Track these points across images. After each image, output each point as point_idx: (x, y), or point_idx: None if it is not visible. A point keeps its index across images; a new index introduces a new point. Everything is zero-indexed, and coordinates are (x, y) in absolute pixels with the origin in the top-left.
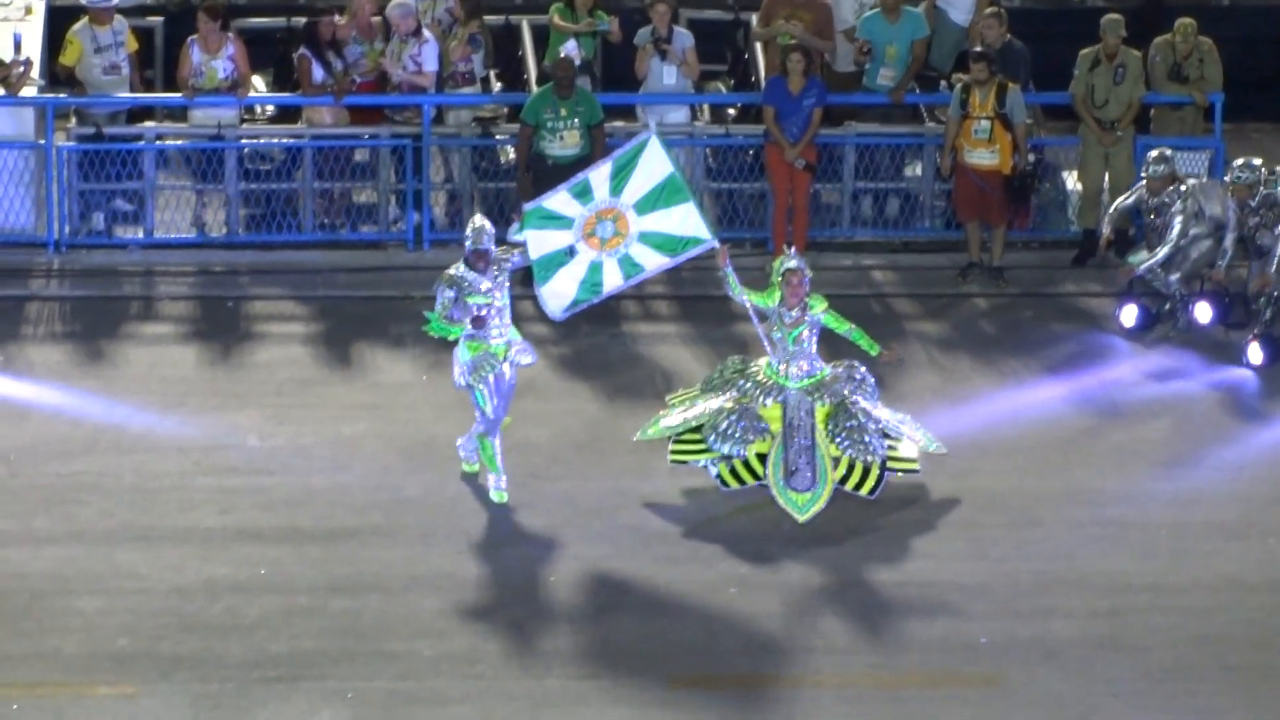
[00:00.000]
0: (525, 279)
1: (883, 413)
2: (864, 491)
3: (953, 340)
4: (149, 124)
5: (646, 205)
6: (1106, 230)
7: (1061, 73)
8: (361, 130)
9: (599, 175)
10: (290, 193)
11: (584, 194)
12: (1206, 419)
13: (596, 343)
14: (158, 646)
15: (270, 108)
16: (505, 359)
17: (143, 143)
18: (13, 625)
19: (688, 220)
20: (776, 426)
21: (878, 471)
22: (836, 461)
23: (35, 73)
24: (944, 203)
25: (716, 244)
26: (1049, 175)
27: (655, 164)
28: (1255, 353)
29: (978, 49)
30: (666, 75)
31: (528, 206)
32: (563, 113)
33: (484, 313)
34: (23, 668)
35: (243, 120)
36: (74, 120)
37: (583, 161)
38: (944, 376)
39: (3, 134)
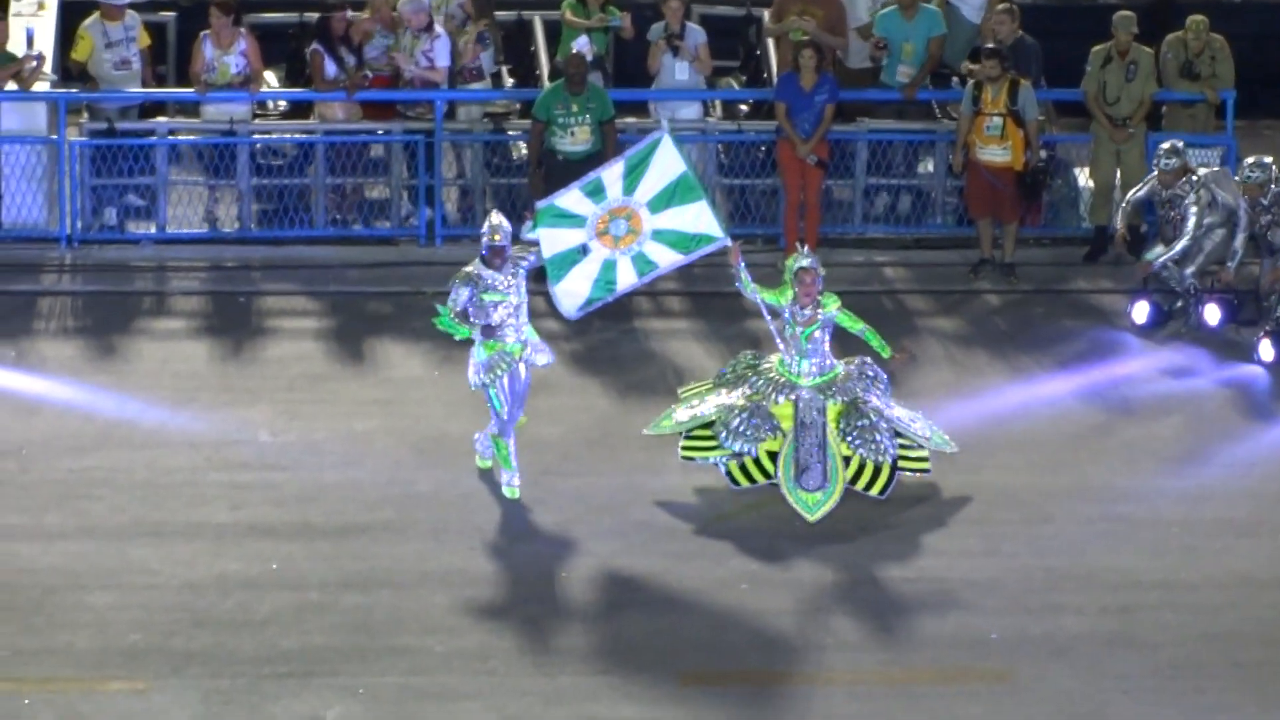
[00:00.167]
0: (539, 276)
1: (895, 410)
2: (874, 492)
3: (964, 337)
4: (161, 119)
5: (660, 203)
6: (1121, 225)
7: (1073, 69)
8: (374, 126)
9: (611, 174)
10: (302, 188)
11: (596, 192)
12: (1218, 416)
13: (608, 339)
14: (169, 642)
15: (282, 103)
16: (521, 359)
17: (155, 138)
18: (24, 620)
19: (700, 218)
20: (788, 424)
21: (888, 471)
22: (847, 461)
23: (48, 68)
24: (956, 199)
25: (729, 242)
26: (1061, 172)
27: (668, 162)
28: (1266, 350)
29: (990, 45)
30: (679, 71)
31: (540, 205)
32: (574, 109)
33: (495, 323)
34: (34, 663)
35: (255, 115)
36: (86, 115)
37: (594, 157)
38: (955, 373)
39: (15, 129)
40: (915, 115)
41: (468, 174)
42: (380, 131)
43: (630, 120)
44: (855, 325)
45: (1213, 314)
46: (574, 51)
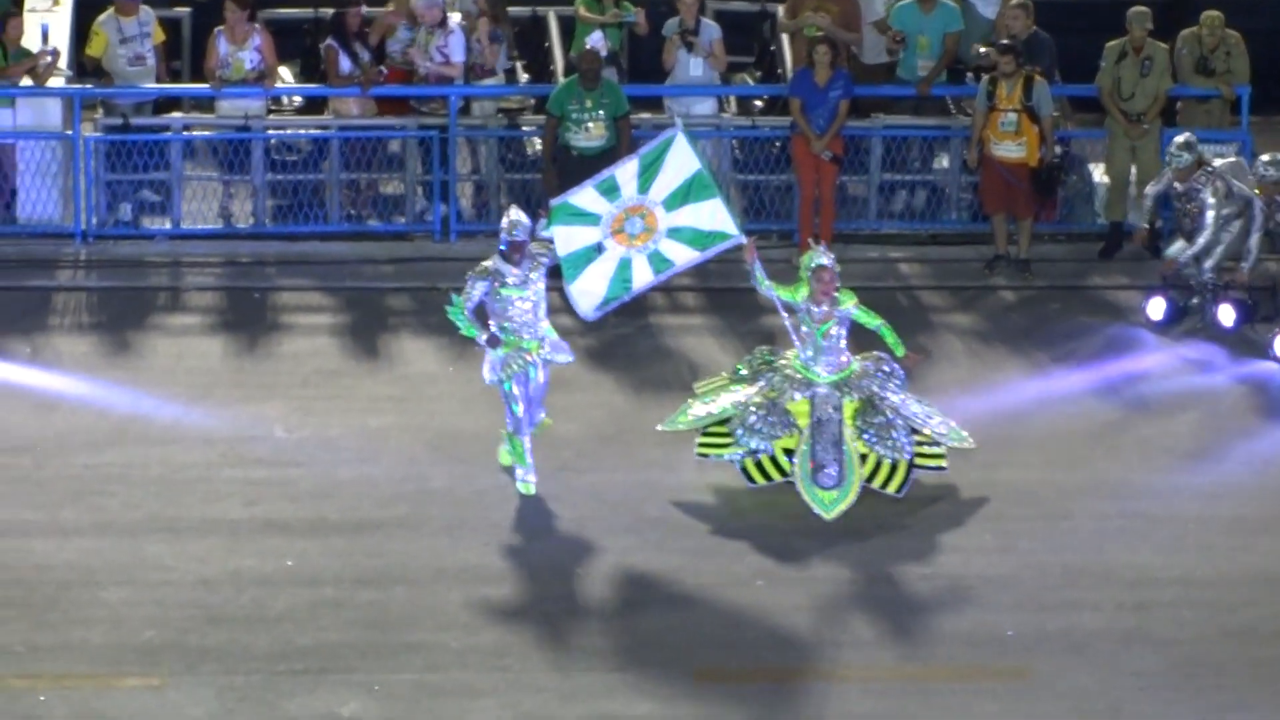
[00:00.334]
0: (555, 272)
1: (912, 407)
2: (891, 490)
3: (979, 333)
4: (176, 115)
5: (675, 201)
6: (1143, 223)
7: (1088, 65)
8: (389, 121)
9: (626, 172)
10: (317, 184)
11: (611, 191)
12: (1234, 412)
13: (624, 335)
14: (184, 638)
15: (297, 99)
16: (537, 356)
17: (170, 134)
18: (39, 617)
19: (715, 215)
20: (804, 422)
21: (905, 469)
22: (864, 458)
23: (63, 63)
24: (971, 195)
25: (744, 239)
26: (1076, 168)
27: (682, 160)
28: None
29: (1004, 41)
30: (693, 67)
31: (554, 202)
32: (588, 104)
33: (510, 326)
34: (49, 659)
35: (269, 111)
36: (101, 111)
37: (608, 153)
38: (970, 369)
39: (30, 125)
40: (930, 111)
41: (482, 169)
42: (395, 127)
43: (645, 116)
44: (872, 321)
45: (1227, 315)
46: (588, 47)
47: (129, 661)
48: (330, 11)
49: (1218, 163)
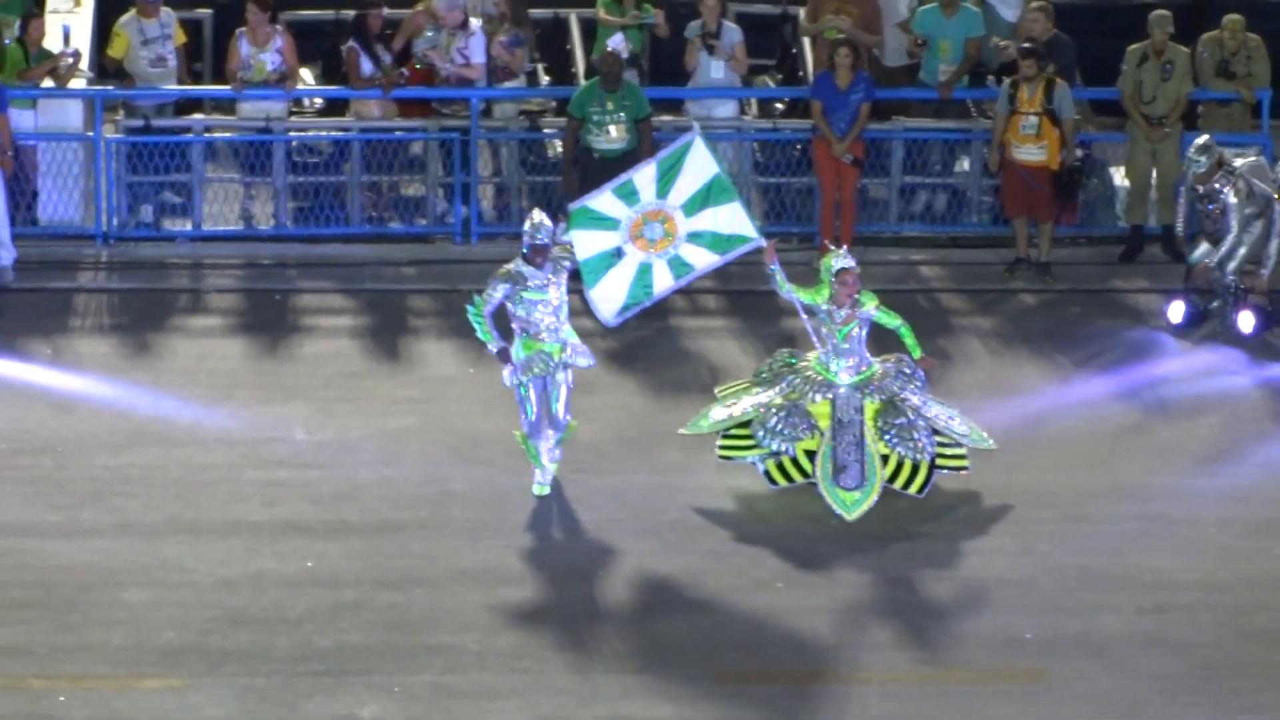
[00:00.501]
0: (577, 275)
1: (932, 409)
2: (913, 490)
3: (1000, 336)
4: (197, 116)
5: (694, 206)
6: (1181, 225)
7: (1109, 68)
8: (410, 124)
9: (644, 176)
10: (338, 186)
11: (630, 195)
12: (1254, 415)
13: (644, 337)
14: (204, 640)
15: (318, 101)
16: (560, 360)
17: (191, 135)
18: (60, 618)
19: (735, 219)
20: (825, 423)
21: (926, 470)
22: (885, 459)
23: (84, 65)
24: (991, 198)
25: (763, 242)
26: (1096, 171)
27: (701, 164)
28: None
29: (1026, 45)
30: (715, 70)
31: (572, 206)
32: (609, 106)
33: (532, 331)
34: (69, 660)
35: (291, 113)
36: (122, 113)
37: (629, 155)
38: (991, 372)
39: (51, 126)
40: (951, 114)
41: (504, 172)
42: (417, 129)
43: (666, 118)
44: (892, 321)
45: (1247, 321)
46: (609, 49)
47: (149, 663)
48: (352, 13)
49: (1238, 162)
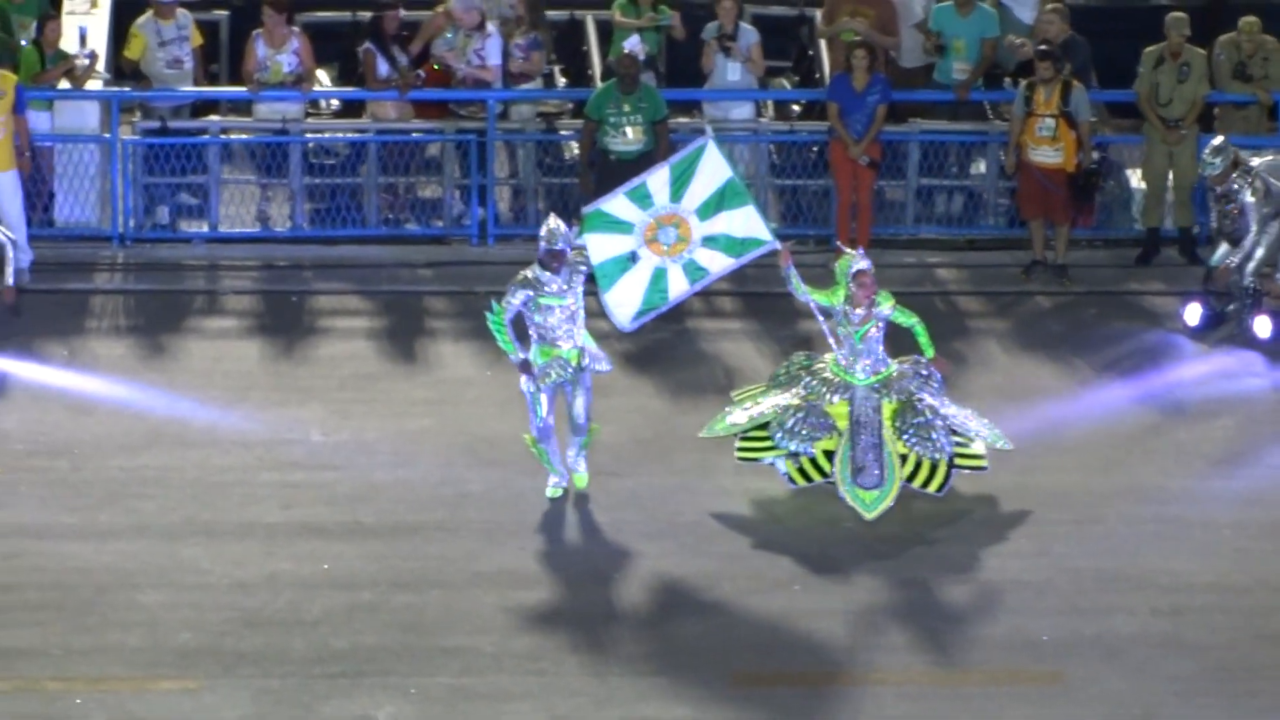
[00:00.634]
0: (591, 278)
1: (949, 409)
2: (932, 489)
3: (1016, 338)
4: (214, 118)
5: (708, 210)
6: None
7: (1126, 71)
8: (426, 125)
9: (657, 180)
10: (354, 187)
11: (643, 199)
12: (1270, 418)
13: (662, 340)
14: (220, 641)
15: (335, 102)
16: (578, 365)
17: (207, 137)
18: (76, 619)
19: (749, 222)
20: (843, 424)
21: (945, 469)
22: (904, 459)
23: (100, 66)
24: (1008, 200)
25: (778, 245)
26: (1113, 173)
27: (714, 168)
28: None
29: (1042, 47)
30: (731, 71)
31: (586, 210)
32: (626, 108)
33: (549, 337)
34: (85, 662)
35: (307, 115)
36: (139, 114)
37: (646, 157)
38: (1007, 374)
39: (68, 128)
40: (967, 116)
41: (520, 173)
42: (433, 131)
43: (683, 120)
44: (908, 320)
45: (1263, 327)
46: (625, 51)
47: (165, 664)
48: (368, 15)
49: (1255, 162)
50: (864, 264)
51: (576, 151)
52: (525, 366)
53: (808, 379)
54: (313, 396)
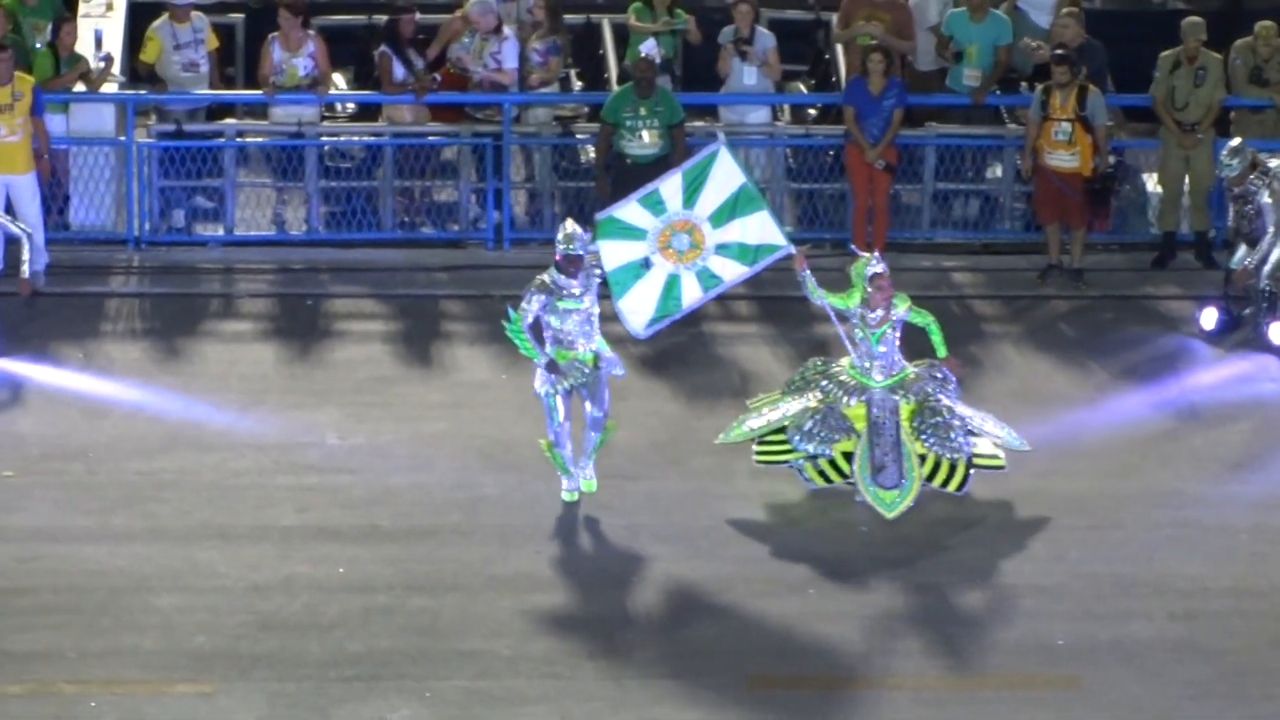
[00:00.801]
0: (605, 283)
1: (965, 410)
2: (951, 488)
3: (1032, 342)
4: (229, 121)
5: (721, 217)
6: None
7: (1141, 75)
8: (442, 128)
9: (670, 187)
10: (370, 191)
11: (656, 205)
12: None
13: (677, 344)
14: (236, 645)
15: (350, 105)
16: (594, 367)
17: (223, 140)
18: (91, 622)
19: (763, 228)
20: (861, 425)
21: (964, 468)
22: (923, 459)
23: (116, 69)
24: (1024, 204)
25: (792, 249)
26: (1129, 177)
27: (727, 175)
28: None
29: (1059, 51)
30: (747, 76)
31: (599, 216)
32: (642, 112)
33: (565, 340)
34: (100, 665)
35: (323, 118)
36: (154, 117)
37: (662, 161)
38: (1023, 379)
39: (84, 130)
40: (983, 120)
41: (536, 177)
42: (449, 134)
43: (699, 124)
44: (923, 319)
45: (1278, 332)
46: (641, 55)
47: (180, 667)
48: (384, 18)
49: (1273, 163)
50: (880, 267)
51: (593, 155)
52: (552, 367)
53: (824, 382)
54: (328, 400)
